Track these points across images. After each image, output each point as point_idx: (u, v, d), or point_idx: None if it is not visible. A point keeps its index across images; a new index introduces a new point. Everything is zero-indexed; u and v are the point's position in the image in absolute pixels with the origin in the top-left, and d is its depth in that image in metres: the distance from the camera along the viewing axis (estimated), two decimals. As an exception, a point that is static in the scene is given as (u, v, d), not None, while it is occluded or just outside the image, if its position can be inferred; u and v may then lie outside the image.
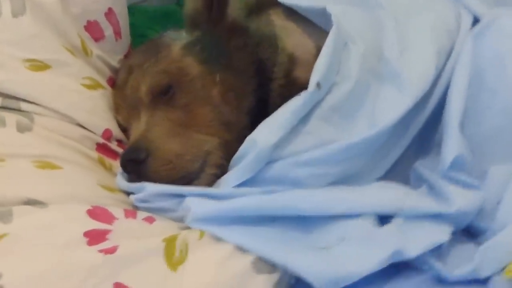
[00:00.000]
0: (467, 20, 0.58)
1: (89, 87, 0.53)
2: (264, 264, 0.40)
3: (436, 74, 0.53)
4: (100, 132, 0.53)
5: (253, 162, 0.46)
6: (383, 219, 0.45)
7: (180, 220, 0.46)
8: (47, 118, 0.49)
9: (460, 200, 0.44)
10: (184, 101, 0.51)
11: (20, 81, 0.48)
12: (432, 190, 0.48)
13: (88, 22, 0.56)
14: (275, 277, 0.40)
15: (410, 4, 0.60)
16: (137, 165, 0.47)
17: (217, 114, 0.51)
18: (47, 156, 0.46)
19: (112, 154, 0.53)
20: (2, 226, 0.38)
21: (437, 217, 0.44)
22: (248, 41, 0.56)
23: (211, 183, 0.49)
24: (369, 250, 0.40)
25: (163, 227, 0.43)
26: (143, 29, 0.67)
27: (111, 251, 0.38)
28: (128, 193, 0.49)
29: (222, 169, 0.49)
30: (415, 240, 0.41)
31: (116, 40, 0.60)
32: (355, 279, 0.39)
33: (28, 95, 0.48)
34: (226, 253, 0.40)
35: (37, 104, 0.49)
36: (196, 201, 0.44)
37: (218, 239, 0.41)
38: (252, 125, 0.53)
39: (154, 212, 0.46)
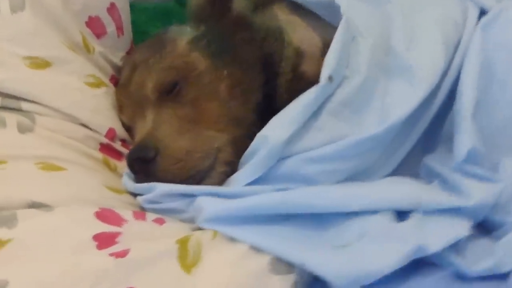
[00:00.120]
0: (474, 12, 0.57)
1: (92, 85, 0.51)
2: (281, 264, 0.39)
3: (445, 67, 0.52)
4: (104, 132, 0.51)
5: (265, 158, 0.45)
6: (400, 215, 0.44)
7: (190, 221, 0.45)
8: (49, 118, 0.47)
9: (478, 193, 0.43)
10: (192, 96, 0.50)
11: (20, 80, 0.46)
12: (446, 184, 0.47)
13: (90, 18, 0.54)
14: (292, 277, 0.39)
15: (416, -3, 0.59)
16: (145, 164, 0.45)
17: (226, 109, 0.50)
18: (50, 157, 0.44)
19: (116, 154, 0.52)
20: (7, 231, 0.36)
21: (455, 211, 0.43)
22: (254, 35, 0.55)
23: (221, 181, 0.48)
24: (390, 247, 0.39)
25: (174, 229, 0.42)
26: (144, 26, 0.65)
27: (122, 254, 0.36)
28: (134, 195, 0.48)
29: (232, 167, 0.48)
30: (435, 235, 0.40)
31: (118, 36, 0.58)
32: (377, 277, 0.38)
33: (29, 94, 0.46)
34: (241, 254, 0.39)
35: (38, 104, 0.47)
36: (208, 201, 0.43)
37: (232, 239, 0.40)
38: (259, 121, 0.52)
39: (163, 213, 0.45)
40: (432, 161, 0.51)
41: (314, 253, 0.40)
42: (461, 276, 0.41)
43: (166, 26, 0.58)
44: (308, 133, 0.47)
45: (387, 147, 0.50)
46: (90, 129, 0.49)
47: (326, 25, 0.60)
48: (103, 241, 0.37)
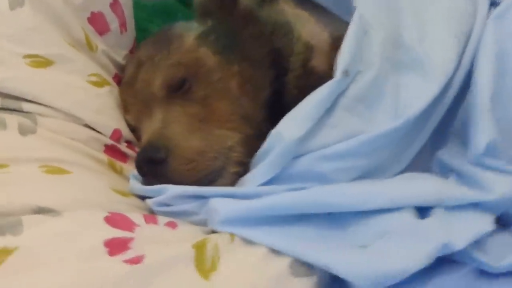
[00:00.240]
0: (484, 4, 0.56)
1: (95, 84, 0.49)
2: (301, 266, 0.37)
3: (457, 60, 0.51)
4: (108, 133, 0.49)
5: (280, 157, 0.44)
6: (420, 211, 0.43)
7: (203, 223, 0.43)
8: (51, 118, 0.45)
9: (500, 186, 0.42)
10: (202, 94, 0.48)
11: (21, 79, 0.44)
12: (463, 178, 0.46)
13: (92, 13, 0.52)
14: (313, 279, 0.37)
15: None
16: (155, 165, 0.43)
17: (237, 107, 0.48)
18: (54, 160, 0.42)
19: (122, 156, 0.50)
20: (12, 238, 0.34)
21: (476, 206, 0.42)
22: (263, 30, 0.53)
23: (233, 182, 0.46)
24: (415, 245, 0.38)
25: (188, 232, 0.40)
26: (144, 24, 0.63)
27: (137, 261, 0.34)
28: (142, 197, 0.46)
29: (244, 167, 0.46)
30: (460, 232, 0.39)
31: (122, 33, 0.55)
32: (402, 276, 0.37)
33: (30, 94, 0.44)
34: (260, 257, 0.37)
35: (40, 104, 0.44)
36: (223, 202, 0.41)
37: (249, 242, 0.39)
38: (268, 119, 0.50)
39: (174, 216, 0.43)
40: (446, 155, 0.51)
41: (335, 253, 0.38)
42: (483, 273, 0.40)
43: (167, 23, 0.56)
44: (322, 130, 0.46)
45: (400, 143, 0.49)
46: (94, 130, 0.47)
47: (332, 18, 0.59)
48: (115, 247, 0.35)
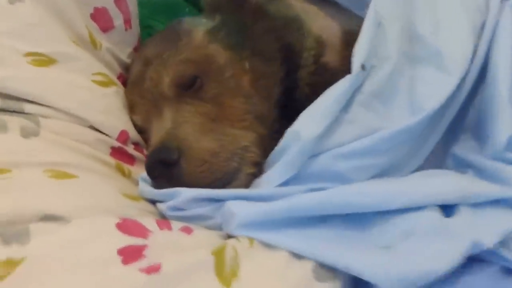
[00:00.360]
0: (496, -4, 0.55)
1: (101, 83, 0.46)
2: (325, 271, 0.36)
3: (473, 51, 0.50)
4: (115, 135, 0.46)
5: (297, 156, 0.42)
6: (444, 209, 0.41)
7: (218, 228, 0.41)
8: (55, 120, 0.42)
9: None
10: (214, 92, 0.45)
11: (22, 78, 0.41)
12: (482, 174, 0.45)
13: (96, 9, 0.49)
14: (337, 284, 0.36)
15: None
16: (166, 167, 0.40)
17: (250, 105, 0.46)
18: (59, 164, 0.39)
19: (129, 158, 0.47)
20: (19, 248, 0.31)
21: (498, 202, 0.41)
22: (273, 24, 0.51)
23: (248, 183, 0.44)
24: (444, 245, 0.36)
25: (204, 238, 0.38)
26: (147, 21, 0.61)
27: (154, 270, 0.32)
28: (152, 202, 0.44)
29: (259, 168, 0.44)
30: (488, 229, 0.38)
31: (126, 30, 0.53)
32: (432, 278, 0.35)
33: (32, 94, 0.41)
34: (282, 262, 0.35)
35: (42, 105, 0.42)
36: (240, 205, 0.39)
37: (268, 246, 0.37)
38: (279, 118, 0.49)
39: (188, 221, 0.40)
40: (461, 151, 0.50)
41: (359, 255, 0.37)
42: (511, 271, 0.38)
43: (170, 20, 0.54)
44: (339, 127, 0.45)
45: (418, 139, 0.47)
46: (100, 132, 0.45)
47: (340, 12, 0.57)
48: (129, 255, 0.33)
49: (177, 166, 0.40)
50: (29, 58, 0.42)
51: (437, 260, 0.35)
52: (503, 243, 0.39)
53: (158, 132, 0.44)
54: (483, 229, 0.38)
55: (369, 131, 0.44)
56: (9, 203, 0.34)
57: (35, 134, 0.40)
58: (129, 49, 0.55)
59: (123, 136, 0.47)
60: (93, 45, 0.48)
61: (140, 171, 0.46)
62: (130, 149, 0.47)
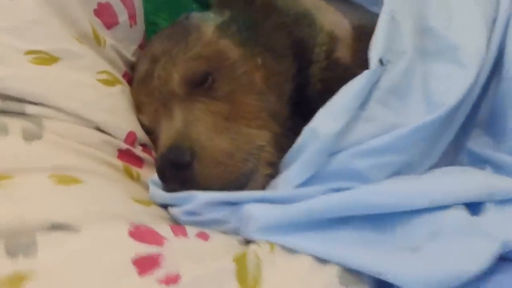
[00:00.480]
0: (507, -12, 0.54)
1: (106, 82, 0.44)
2: (350, 275, 0.34)
3: (487, 44, 0.48)
4: (122, 136, 0.44)
5: (316, 155, 0.40)
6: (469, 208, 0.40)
7: (234, 232, 0.39)
8: (59, 122, 0.39)
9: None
10: (226, 89, 0.43)
11: (23, 78, 0.39)
12: (501, 170, 0.44)
13: (99, 4, 0.46)
14: (363, 288, 0.33)
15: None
16: (179, 169, 0.38)
17: (264, 103, 0.44)
18: (64, 168, 0.37)
19: (138, 161, 0.45)
20: (25, 261, 0.29)
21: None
22: (285, 20, 0.49)
23: (265, 185, 0.42)
24: (474, 244, 0.35)
25: (223, 244, 0.35)
26: (151, 17, 0.59)
27: (173, 280, 0.30)
28: (164, 206, 0.41)
29: (275, 168, 0.42)
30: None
31: (131, 26, 0.50)
32: (463, 279, 0.33)
33: (33, 94, 0.39)
34: (305, 267, 0.34)
35: (45, 106, 0.39)
36: (259, 208, 0.37)
37: (290, 251, 0.35)
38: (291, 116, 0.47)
39: (203, 226, 0.38)
40: (477, 146, 0.48)
41: (386, 258, 0.35)
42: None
43: (174, 16, 0.52)
44: (357, 124, 0.43)
45: (434, 136, 0.46)
46: (107, 133, 0.42)
47: (349, 6, 0.55)
48: (144, 265, 0.31)
49: (190, 168, 0.38)
50: (30, 57, 0.39)
51: (468, 261, 0.34)
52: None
53: (168, 132, 0.42)
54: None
55: (386, 128, 0.43)
56: (13, 212, 0.31)
57: (38, 137, 0.38)
58: (134, 46, 0.52)
59: (130, 138, 0.44)
60: (97, 42, 0.46)
61: (149, 174, 0.44)
62: (138, 150, 0.45)
